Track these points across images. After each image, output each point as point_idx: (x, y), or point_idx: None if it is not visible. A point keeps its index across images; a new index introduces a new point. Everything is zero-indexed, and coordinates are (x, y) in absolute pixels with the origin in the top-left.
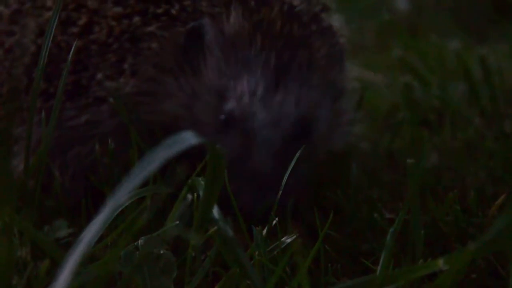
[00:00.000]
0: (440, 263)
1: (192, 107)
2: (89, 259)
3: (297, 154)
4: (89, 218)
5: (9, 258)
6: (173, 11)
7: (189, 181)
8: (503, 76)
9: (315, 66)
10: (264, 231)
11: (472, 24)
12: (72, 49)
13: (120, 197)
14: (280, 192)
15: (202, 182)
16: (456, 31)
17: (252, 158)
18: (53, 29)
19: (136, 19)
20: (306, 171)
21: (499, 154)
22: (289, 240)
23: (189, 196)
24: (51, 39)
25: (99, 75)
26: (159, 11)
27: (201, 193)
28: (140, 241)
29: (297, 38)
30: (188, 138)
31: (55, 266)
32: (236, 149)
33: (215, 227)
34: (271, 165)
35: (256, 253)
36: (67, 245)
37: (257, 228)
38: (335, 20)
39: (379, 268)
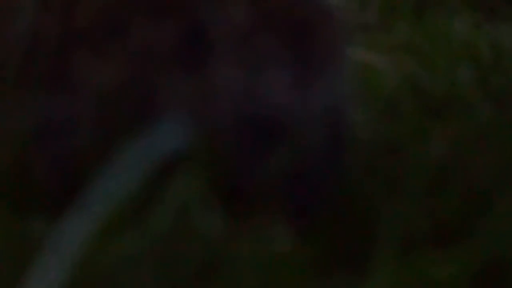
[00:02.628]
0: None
1: (202, 105)
2: None
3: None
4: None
5: None
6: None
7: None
8: None
9: (330, 54)
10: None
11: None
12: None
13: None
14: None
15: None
16: (465, 7)
17: (302, 167)
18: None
19: (120, 5)
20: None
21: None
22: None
23: None
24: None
25: (79, 64)
26: None
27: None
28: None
29: (305, 27)
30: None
31: None
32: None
33: None
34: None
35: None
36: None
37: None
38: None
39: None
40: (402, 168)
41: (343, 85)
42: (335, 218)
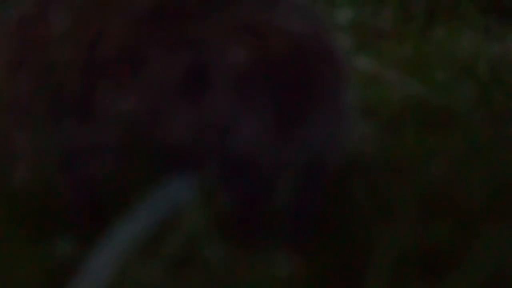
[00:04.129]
0: None
1: (196, 137)
2: None
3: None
4: (93, 235)
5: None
6: (176, 36)
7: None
8: None
9: (324, 105)
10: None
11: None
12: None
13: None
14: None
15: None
16: (477, 16)
17: (260, 203)
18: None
19: (138, 41)
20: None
21: (506, 163)
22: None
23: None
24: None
25: (101, 93)
26: (161, 33)
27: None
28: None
29: (305, 72)
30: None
31: None
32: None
33: None
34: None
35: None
36: (70, 265)
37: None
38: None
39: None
40: (400, 188)
41: (336, 133)
42: (332, 242)
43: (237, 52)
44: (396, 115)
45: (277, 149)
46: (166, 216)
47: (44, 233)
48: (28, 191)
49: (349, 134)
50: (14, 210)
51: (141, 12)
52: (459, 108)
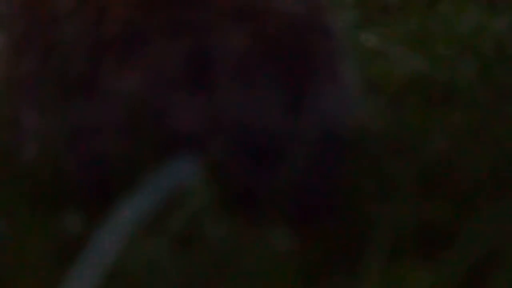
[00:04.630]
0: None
1: (208, 125)
2: None
3: None
4: (101, 211)
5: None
6: (176, 19)
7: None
8: None
9: (328, 77)
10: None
11: None
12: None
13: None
14: None
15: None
16: None
17: (297, 184)
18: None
19: (138, 20)
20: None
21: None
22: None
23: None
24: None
25: (105, 72)
26: (161, 15)
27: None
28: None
29: (303, 53)
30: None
31: None
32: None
33: None
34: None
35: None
36: (79, 240)
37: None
38: None
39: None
40: (400, 164)
41: (342, 101)
42: (332, 221)
43: (236, 37)
44: (399, 90)
45: (291, 124)
46: (170, 194)
47: (53, 209)
48: (37, 169)
49: (353, 107)
50: (24, 187)
51: None
52: (462, 84)
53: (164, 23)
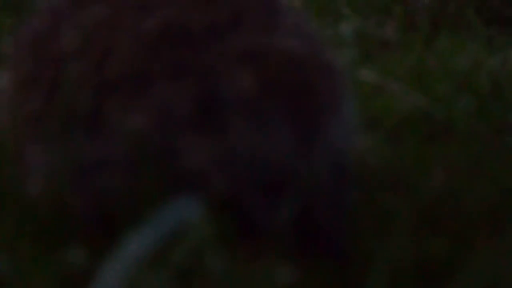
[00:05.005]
0: None
1: (222, 166)
2: None
3: None
4: (105, 247)
5: None
6: (182, 61)
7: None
8: None
9: (331, 111)
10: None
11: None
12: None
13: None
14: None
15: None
16: (480, 26)
17: (313, 210)
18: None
19: (144, 61)
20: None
21: (500, 177)
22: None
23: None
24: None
25: (110, 110)
26: (166, 55)
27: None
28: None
29: (307, 88)
30: (190, 205)
31: None
32: (292, 211)
33: None
34: (330, 211)
35: None
36: (82, 275)
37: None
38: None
39: None
40: (399, 199)
41: (346, 134)
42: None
43: (243, 77)
44: (398, 125)
45: (303, 158)
46: (173, 230)
47: (57, 244)
48: (42, 203)
49: (354, 141)
50: (29, 222)
51: (149, 33)
52: (459, 121)
53: (169, 65)
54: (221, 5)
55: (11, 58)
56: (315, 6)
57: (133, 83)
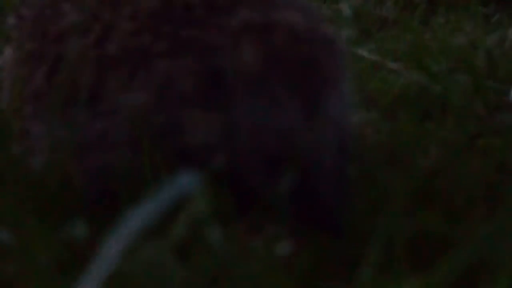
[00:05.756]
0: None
1: (226, 140)
2: None
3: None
4: (106, 217)
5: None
6: (183, 37)
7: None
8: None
9: (331, 84)
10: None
11: None
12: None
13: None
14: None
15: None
16: (476, 4)
17: (316, 185)
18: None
19: (146, 37)
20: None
21: (493, 154)
22: (284, 251)
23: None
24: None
25: (112, 86)
26: (167, 31)
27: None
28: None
29: (308, 61)
30: (191, 179)
31: None
32: (295, 184)
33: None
34: (333, 185)
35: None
36: (86, 247)
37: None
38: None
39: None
40: (395, 175)
41: (346, 109)
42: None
43: (246, 51)
44: (395, 103)
45: (311, 129)
46: (173, 203)
47: (61, 218)
48: (45, 179)
49: (351, 117)
50: (34, 197)
51: (150, 8)
52: (455, 98)
53: (171, 41)
54: None
55: (15, 36)
56: None
57: (135, 59)
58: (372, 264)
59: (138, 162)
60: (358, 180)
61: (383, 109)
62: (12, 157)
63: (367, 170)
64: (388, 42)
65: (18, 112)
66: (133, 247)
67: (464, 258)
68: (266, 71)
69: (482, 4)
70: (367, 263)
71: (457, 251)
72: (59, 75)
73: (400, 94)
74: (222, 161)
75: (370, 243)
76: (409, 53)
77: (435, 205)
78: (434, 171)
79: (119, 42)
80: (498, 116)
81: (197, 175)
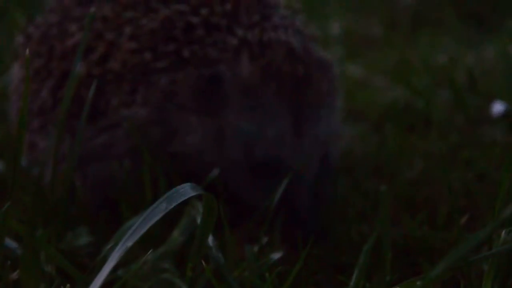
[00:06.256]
0: None
1: (217, 145)
2: None
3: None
4: (107, 226)
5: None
6: (184, 54)
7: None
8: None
9: (322, 103)
10: (255, 249)
11: (475, 13)
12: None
13: (126, 244)
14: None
15: (200, 209)
16: (458, 24)
17: (295, 198)
18: (80, 58)
19: (147, 55)
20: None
21: (474, 164)
22: (276, 257)
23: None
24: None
25: (114, 102)
26: (168, 49)
27: (198, 219)
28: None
29: (303, 78)
30: (188, 191)
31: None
32: (276, 191)
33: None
34: (310, 201)
35: (246, 271)
36: (88, 256)
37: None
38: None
39: (351, 283)
40: (381, 185)
41: (334, 128)
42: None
43: (245, 65)
44: (381, 117)
45: (298, 146)
46: (171, 210)
47: (67, 227)
48: (52, 190)
49: (338, 135)
50: (39, 207)
51: (151, 27)
52: (438, 112)
53: (172, 56)
54: (216, 3)
55: (22, 53)
56: (306, 6)
57: (136, 75)
58: (361, 270)
59: (138, 173)
60: (346, 189)
61: (371, 122)
62: (20, 169)
63: (355, 180)
64: (375, 59)
65: (26, 126)
66: (133, 253)
67: (448, 263)
68: (261, 85)
69: (463, 24)
70: (356, 269)
71: (442, 257)
72: (64, 91)
73: (386, 108)
74: (214, 165)
75: (358, 250)
76: (394, 70)
77: (419, 213)
78: (418, 181)
79: (122, 58)
80: (479, 129)
81: (195, 185)
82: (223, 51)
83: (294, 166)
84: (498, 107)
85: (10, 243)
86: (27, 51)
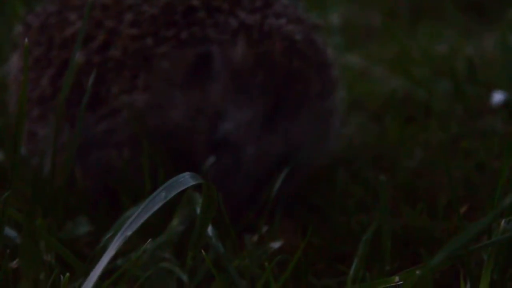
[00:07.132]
0: (396, 279)
1: (195, 120)
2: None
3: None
4: (107, 215)
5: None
6: (182, 36)
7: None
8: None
9: (309, 104)
10: (255, 238)
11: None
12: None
13: (125, 233)
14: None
15: (199, 199)
16: (457, 14)
17: (235, 183)
18: (80, 46)
19: (149, 40)
20: (289, 187)
21: (474, 154)
22: (276, 246)
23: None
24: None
25: (115, 89)
26: (169, 34)
27: (197, 209)
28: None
29: (295, 74)
30: (188, 180)
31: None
32: (223, 169)
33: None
34: (248, 192)
35: (246, 260)
36: (87, 245)
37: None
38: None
39: (350, 272)
40: (381, 175)
41: (317, 131)
42: (320, 221)
43: (240, 48)
44: (381, 107)
45: (261, 139)
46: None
47: (66, 216)
48: (52, 179)
49: (336, 131)
50: (40, 197)
51: (152, 12)
52: (438, 103)
53: (172, 40)
54: None
55: (21, 43)
56: None
57: (137, 61)
58: (360, 259)
59: (137, 161)
60: (347, 179)
61: (370, 113)
62: (19, 158)
63: (355, 170)
64: (374, 50)
65: (25, 116)
66: (133, 243)
67: (448, 253)
68: (250, 71)
69: (463, 13)
70: (356, 258)
71: (442, 247)
72: (65, 79)
73: (386, 99)
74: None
75: (358, 240)
76: (394, 60)
77: (419, 203)
78: (418, 171)
79: (122, 45)
80: (479, 119)
81: (194, 174)
82: (221, 32)
83: (250, 158)
84: (498, 97)
85: (10, 232)
86: (26, 39)
